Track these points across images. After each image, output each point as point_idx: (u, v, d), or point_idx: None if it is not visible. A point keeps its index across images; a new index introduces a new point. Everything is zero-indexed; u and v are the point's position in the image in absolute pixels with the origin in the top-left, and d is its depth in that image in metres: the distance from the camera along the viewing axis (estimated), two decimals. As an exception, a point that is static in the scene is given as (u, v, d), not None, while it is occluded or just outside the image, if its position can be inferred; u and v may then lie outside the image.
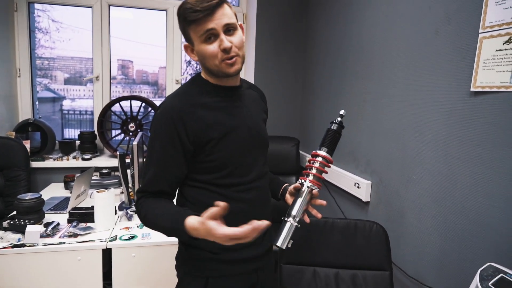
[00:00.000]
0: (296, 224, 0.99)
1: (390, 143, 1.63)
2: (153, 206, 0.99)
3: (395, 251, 1.51)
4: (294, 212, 1.00)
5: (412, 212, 1.48)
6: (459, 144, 1.24)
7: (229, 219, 1.00)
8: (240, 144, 1.04)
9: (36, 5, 2.60)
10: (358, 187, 1.84)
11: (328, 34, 2.29)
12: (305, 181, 1.02)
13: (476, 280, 0.97)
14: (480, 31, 1.15)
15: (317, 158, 1.04)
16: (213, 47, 0.94)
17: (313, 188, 1.01)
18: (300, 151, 2.63)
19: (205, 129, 0.99)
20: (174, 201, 1.10)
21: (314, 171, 1.03)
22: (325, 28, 2.34)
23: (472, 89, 1.18)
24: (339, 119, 1.05)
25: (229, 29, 0.95)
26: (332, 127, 1.05)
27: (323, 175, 1.04)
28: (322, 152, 1.04)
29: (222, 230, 0.83)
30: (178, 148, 0.98)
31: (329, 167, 1.05)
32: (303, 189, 1.02)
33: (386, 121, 1.66)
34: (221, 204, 0.84)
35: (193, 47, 1.00)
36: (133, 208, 1.91)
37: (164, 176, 1.01)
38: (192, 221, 0.88)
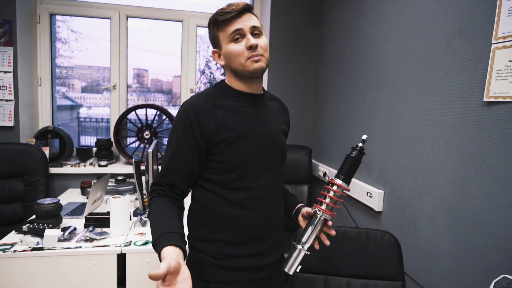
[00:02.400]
0: (305, 251, 1.02)
1: (403, 153, 1.63)
2: (157, 209, 1.01)
3: (407, 261, 1.50)
4: (304, 239, 1.02)
5: (425, 222, 1.47)
6: (472, 154, 1.24)
7: (232, 225, 1.06)
8: (253, 149, 1.05)
9: (57, 17, 2.70)
10: (370, 196, 1.84)
11: (341, 44, 2.31)
12: (318, 210, 1.02)
13: (490, 291, 0.96)
14: (493, 41, 1.15)
15: (332, 187, 1.02)
16: (239, 46, 1.01)
17: (327, 218, 1.02)
18: (313, 160, 2.64)
19: (218, 130, 1.02)
20: (188, 199, 1.13)
21: (328, 200, 1.02)
22: (338, 38, 2.36)
23: (485, 99, 1.18)
24: (360, 144, 1.02)
25: (256, 32, 1.03)
26: (352, 154, 1.02)
27: (338, 203, 1.04)
28: (338, 181, 1.02)
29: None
30: (192, 144, 1.02)
31: (345, 195, 1.04)
32: (316, 218, 1.03)
33: (399, 131, 1.66)
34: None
35: (220, 52, 1.06)
36: (147, 215, 1.94)
37: (176, 170, 1.04)
38: (169, 251, 0.86)
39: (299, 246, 1.02)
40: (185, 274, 0.82)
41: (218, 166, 1.05)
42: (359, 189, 1.96)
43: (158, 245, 0.90)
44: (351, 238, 1.43)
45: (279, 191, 1.16)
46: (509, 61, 1.09)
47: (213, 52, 1.10)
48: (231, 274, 1.06)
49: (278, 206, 1.15)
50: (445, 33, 1.38)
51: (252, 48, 1.00)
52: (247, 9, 1.03)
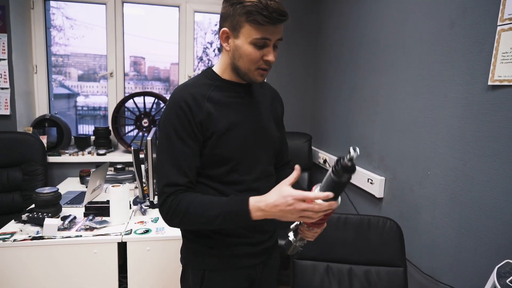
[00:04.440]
0: (299, 247, 1.00)
1: (404, 138, 1.61)
2: (195, 198, 0.95)
3: (409, 248, 1.50)
4: (296, 238, 0.98)
5: (426, 208, 1.47)
6: (475, 139, 1.22)
7: None
8: (243, 141, 1.02)
9: (51, 3, 2.64)
10: (371, 183, 1.83)
11: (341, 28, 2.27)
12: (303, 223, 0.94)
13: (493, 277, 0.96)
14: (498, 23, 1.12)
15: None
16: (257, 53, 0.94)
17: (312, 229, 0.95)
18: (313, 147, 2.62)
19: (209, 123, 0.98)
20: None
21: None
22: (338, 22, 2.32)
23: (489, 83, 1.15)
24: (345, 161, 0.76)
25: (277, 44, 0.97)
26: (333, 175, 0.79)
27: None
28: (320, 201, 0.83)
29: (299, 192, 0.85)
30: (193, 137, 0.97)
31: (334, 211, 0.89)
32: (298, 228, 0.97)
33: (400, 116, 1.64)
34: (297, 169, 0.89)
35: (231, 37, 0.96)
36: (147, 203, 1.93)
37: (189, 166, 0.98)
38: (256, 198, 0.90)
39: (292, 240, 0.99)
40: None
41: (208, 160, 1.01)
42: (360, 175, 1.95)
43: (236, 213, 0.91)
44: (352, 225, 1.42)
45: (271, 181, 1.13)
46: (516, 43, 1.07)
47: (223, 32, 0.97)
48: (225, 262, 1.06)
49: None
50: (448, 15, 1.34)
51: (267, 63, 0.96)
52: (285, 19, 0.93)
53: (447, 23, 1.35)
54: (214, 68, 1.06)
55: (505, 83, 1.10)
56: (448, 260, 1.34)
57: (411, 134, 1.56)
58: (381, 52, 1.80)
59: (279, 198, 0.86)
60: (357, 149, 0.74)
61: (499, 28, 1.12)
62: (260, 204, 0.89)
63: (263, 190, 1.06)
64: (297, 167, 0.89)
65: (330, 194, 0.82)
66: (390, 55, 1.72)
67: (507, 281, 0.92)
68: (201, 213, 0.93)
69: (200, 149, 0.99)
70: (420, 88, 1.50)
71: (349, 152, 0.75)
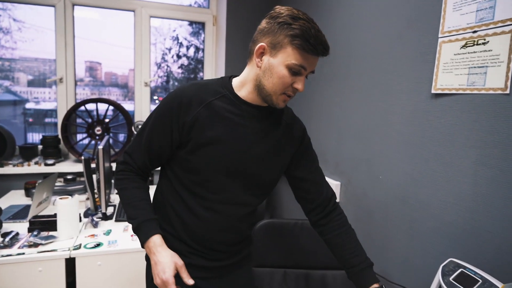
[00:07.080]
0: None
1: (358, 144, 1.66)
2: (133, 188, 1.05)
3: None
4: None
5: (379, 211, 1.52)
6: (421, 144, 1.28)
7: (181, 226, 1.05)
8: (221, 161, 0.99)
9: (-6, 4, 2.47)
10: (328, 188, 1.86)
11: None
12: None
13: (438, 275, 1.00)
14: (440, 35, 1.19)
15: None
16: (290, 79, 0.93)
17: None
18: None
19: (192, 128, 0.97)
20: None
21: None
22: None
23: (433, 91, 1.22)
24: None
25: (307, 76, 0.96)
26: None
27: None
28: None
29: (170, 275, 0.94)
30: (166, 130, 1.00)
31: None
32: None
33: (353, 123, 1.69)
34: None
35: (268, 55, 0.94)
36: (99, 215, 1.84)
37: (148, 149, 1.04)
38: (158, 241, 0.98)
39: None
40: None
41: (183, 162, 1.02)
42: (317, 181, 1.98)
43: (143, 230, 0.99)
44: (308, 230, 1.43)
45: (242, 210, 1.08)
46: (454, 54, 1.14)
47: (260, 48, 0.94)
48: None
49: (237, 224, 1.09)
50: (396, 25, 1.41)
51: (295, 91, 0.96)
52: (327, 54, 0.95)
53: (395, 34, 1.41)
54: (235, 79, 1.05)
55: (446, 91, 1.17)
56: (399, 261, 1.39)
57: (364, 140, 1.62)
58: (333, 62, 1.85)
59: (157, 263, 0.96)
60: None
61: (440, 40, 1.19)
62: (153, 249, 0.98)
63: (226, 214, 1.05)
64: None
65: None
66: (343, 64, 1.78)
67: (451, 278, 0.96)
68: (126, 204, 1.04)
69: (174, 143, 1.01)
70: (372, 96, 1.56)
71: None
